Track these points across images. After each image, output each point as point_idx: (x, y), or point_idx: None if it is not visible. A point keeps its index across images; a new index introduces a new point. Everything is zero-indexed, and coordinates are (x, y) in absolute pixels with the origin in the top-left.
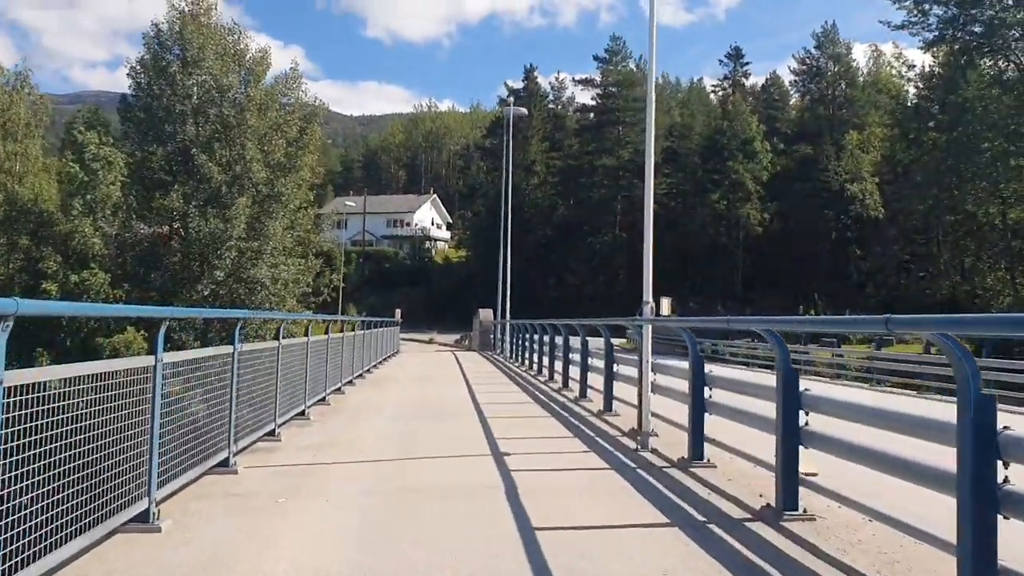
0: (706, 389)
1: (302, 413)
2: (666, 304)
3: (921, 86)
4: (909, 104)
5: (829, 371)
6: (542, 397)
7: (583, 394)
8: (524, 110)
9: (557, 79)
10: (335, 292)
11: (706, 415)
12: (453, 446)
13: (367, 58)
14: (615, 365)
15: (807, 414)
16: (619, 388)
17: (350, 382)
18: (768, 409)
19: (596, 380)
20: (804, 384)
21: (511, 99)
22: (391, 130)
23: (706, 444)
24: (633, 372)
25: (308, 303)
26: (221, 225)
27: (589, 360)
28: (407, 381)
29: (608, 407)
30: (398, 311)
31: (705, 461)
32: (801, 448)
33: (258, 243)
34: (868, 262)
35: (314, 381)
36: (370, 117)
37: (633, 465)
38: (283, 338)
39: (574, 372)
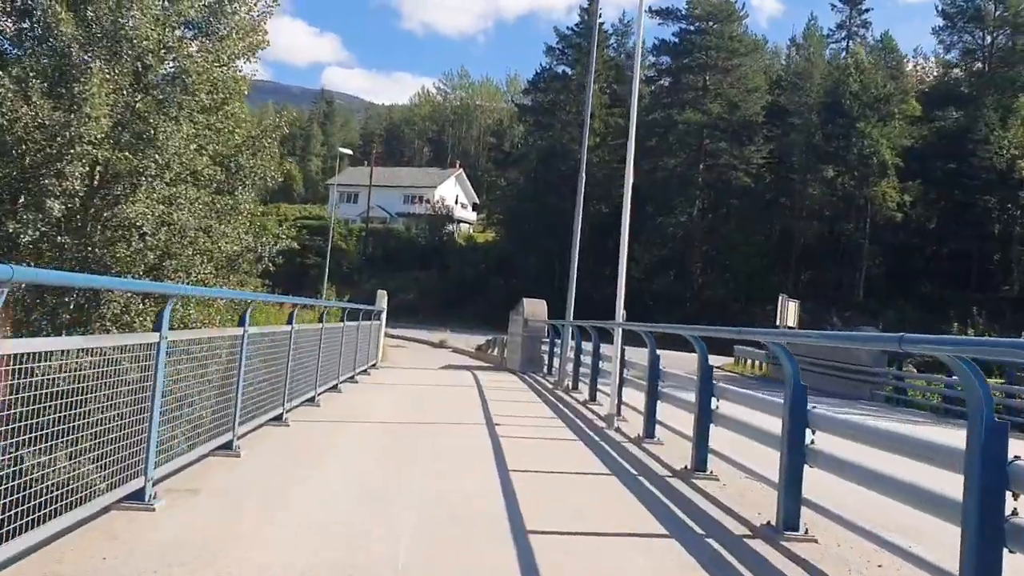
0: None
1: None
2: (792, 310)
3: None
4: None
5: None
6: None
7: None
8: None
9: (621, 21)
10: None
11: None
12: None
13: (401, 50)
14: None
15: None
16: None
17: None
18: None
19: None
20: None
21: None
22: (418, 102)
23: None
24: None
25: (240, 271)
26: (60, 114)
27: None
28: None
29: None
30: (381, 294)
31: None
32: None
33: (138, 156)
34: None
35: None
36: (402, 107)
37: None
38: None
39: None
